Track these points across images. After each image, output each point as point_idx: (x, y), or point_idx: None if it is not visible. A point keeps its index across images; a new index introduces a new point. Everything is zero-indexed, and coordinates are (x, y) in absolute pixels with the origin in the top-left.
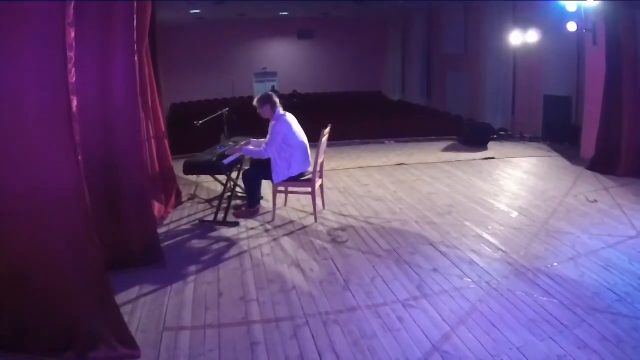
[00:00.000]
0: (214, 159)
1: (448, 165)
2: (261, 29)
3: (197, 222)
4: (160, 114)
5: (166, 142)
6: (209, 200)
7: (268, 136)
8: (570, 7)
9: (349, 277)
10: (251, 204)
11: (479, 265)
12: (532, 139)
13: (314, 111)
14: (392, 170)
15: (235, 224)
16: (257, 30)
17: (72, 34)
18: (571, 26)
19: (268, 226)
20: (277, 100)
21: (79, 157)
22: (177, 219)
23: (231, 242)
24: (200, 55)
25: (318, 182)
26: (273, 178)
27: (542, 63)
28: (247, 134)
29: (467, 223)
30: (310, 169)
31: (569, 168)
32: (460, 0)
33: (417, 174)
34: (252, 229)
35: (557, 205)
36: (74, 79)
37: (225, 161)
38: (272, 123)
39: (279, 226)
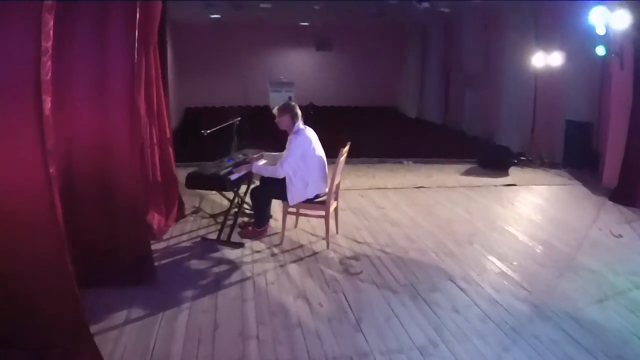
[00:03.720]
0: (221, 173)
1: (468, 190)
2: (280, 37)
3: (198, 239)
4: (166, 119)
5: (171, 149)
6: (213, 216)
7: (285, 152)
8: (600, 30)
9: (361, 315)
10: (259, 224)
11: (502, 306)
12: (552, 164)
13: (329, 125)
14: (409, 192)
15: (240, 245)
16: (276, 39)
17: (51, 22)
18: (600, 50)
19: (275, 250)
20: (299, 111)
21: (50, 169)
22: (177, 234)
23: (234, 266)
24: (218, 60)
25: (333, 205)
26: (288, 199)
27: (564, 86)
28: (260, 146)
29: (490, 257)
30: (327, 189)
31: (590, 198)
32: (480, 18)
33: (435, 197)
34: (257, 252)
35: (581, 239)
36: (49, 75)
37: (233, 177)
38: (290, 137)
39: (287, 251)
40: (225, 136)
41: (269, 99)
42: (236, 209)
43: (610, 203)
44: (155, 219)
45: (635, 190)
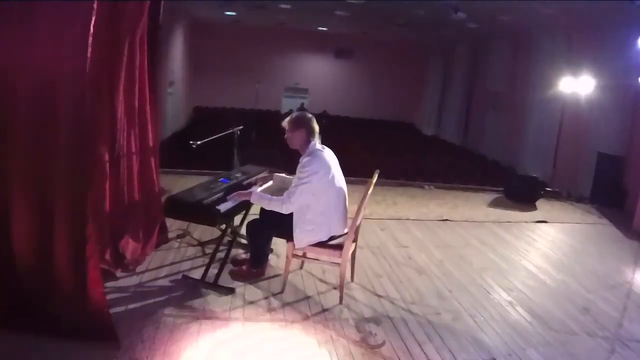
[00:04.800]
0: (207, 201)
1: (497, 226)
2: (298, 42)
3: (180, 276)
4: (149, 123)
5: (154, 161)
6: (202, 244)
7: (295, 179)
8: None
9: None
10: (255, 264)
11: None
12: (579, 199)
13: (342, 136)
14: (435, 227)
15: (230, 290)
16: (293, 43)
17: None
18: None
19: (274, 301)
20: (316, 126)
21: None
22: (155, 265)
23: (218, 322)
24: (233, 60)
25: (351, 249)
26: (294, 240)
27: (593, 115)
28: (268, 161)
29: (536, 325)
30: (346, 230)
31: (623, 242)
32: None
33: (464, 235)
34: (251, 303)
35: (625, 298)
36: None
37: (222, 207)
38: (303, 159)
39: (289, 304)
40: (226, 147)
41: (280, 105)
42: (229, 240)
43: None
44: (129, 247)
45: None
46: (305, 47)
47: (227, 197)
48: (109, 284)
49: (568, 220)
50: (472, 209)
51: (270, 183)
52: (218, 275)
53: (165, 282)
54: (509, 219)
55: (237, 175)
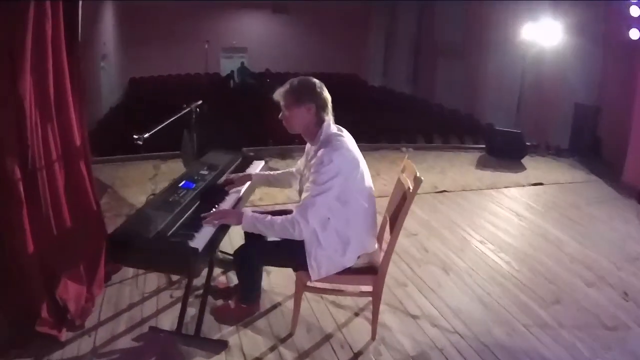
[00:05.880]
0: (174, 232)
1: (498, 194)
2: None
3: (146, 329)
4: (73, 116)
5: (84, 166)
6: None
7: (310, 184)
8: (634, 11)
9: None
10: (246, 298)
11: None
12: (559, 152)
13: None
14: (434, 201)
15: (222, 346)
16: (227, 2)
17: None
18: (634, 34)
19: (286, 352)
20: (328, 96)
21: None
22: (110, 313)
23: None
24: (167, 25)
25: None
26: (309, 270)
27: (563, 64)
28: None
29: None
30: (376, 245)
31: (622, 202)
32: None
33: (471, 210)
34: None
35: None
36: None
37: (199, 241)
38: (318, 153)
39: (306, 352)
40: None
41: (220, 67)
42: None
43: None
44: (70, 294)
45: None
46: (241, 4)
47: (203, 221)
48: (55, 356)
49: (561, 179)
50: (462, 173)
51: (246, 186)
52: (199, 323)
53: (127, 342)
54: (505, 183)
55: (202, 172)
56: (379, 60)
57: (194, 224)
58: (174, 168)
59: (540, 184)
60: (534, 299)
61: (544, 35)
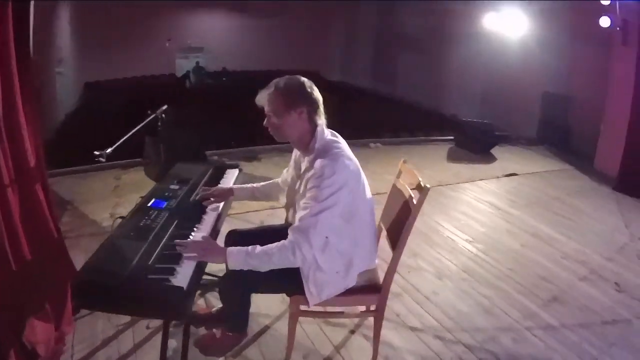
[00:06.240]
0: (152, 268)
1: (476, 188)
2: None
3: None
4: (25, 132)
5: (41, 189)
6: None
7: (306, 200)
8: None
9: None
10: (234, 327)
11: None
12: (529, 142)
13: (248, 95)
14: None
15: None
16: (183, 2)
17: None
18: (604, 21)
19: None
20: (319, 95)
21: None
22: (83, 354)
23: None
24: (124, 27)
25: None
26: (306, 295)
27: (527, 55)
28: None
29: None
30: (377, 261)
31: (600, 191)
32: None
33: (451, 207)
34: None
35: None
36: None
37: (180, 277)
38: (316, 164)
39: None
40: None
41: (175, 68)
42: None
43: (619, 195)
44: (38, 335)
45: None
46: (196, 4)
47: (184, 254)
48: None
49: (535, 169)
50: (437, 168)
51: (219, 205)
52: (184, 358)
53: None
54: (480, 175)
55: (172, 187)
56: (339, 55)
57: (173, 255)
58: (136, 178)
59: (515, 174)
60: (532, 299)
61: (509, 24)
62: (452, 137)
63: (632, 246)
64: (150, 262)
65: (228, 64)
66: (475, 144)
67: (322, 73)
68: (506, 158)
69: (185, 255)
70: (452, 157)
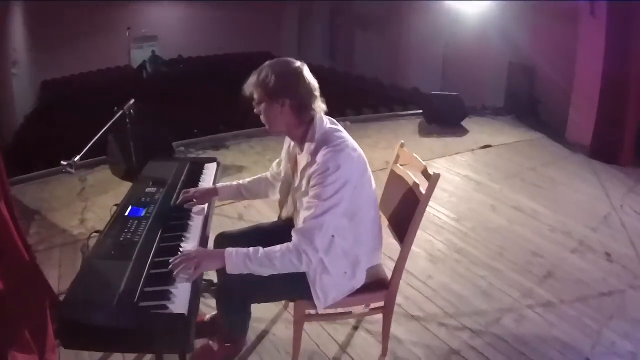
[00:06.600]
0: (135, 295)
1: (452, 162)
2: None
3: None
4: None
5: (5, 206)
6: None
7: (309, 199)
8: None
9: None
10: (232, 337)
11: None
12: (496, 112)
13: (206, 81)
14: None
15: None
16: None
17: None
18: None
19: None
20: (313, 80)
21: None
22: None
23: None
24: (78, 23)
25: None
26: (314, 299)
27: (488, 25)
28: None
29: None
30: (382, 255)
31: (574, 159)
32: None
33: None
34: None
35: (627, 233)
36: None
37: (178, 303)
38: (322, 156)
39: None
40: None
41: (130, 58)
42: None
43: (595, 163)
44: None
45: (617, 145)
46: None
47: (174, 272)
48: None
49: (507, 139)
50: (410, 144)
51: (204, 206)
52: None
53: None
54: (455, 149)
55: (149, 191)
56: (293, 35)
57: (164, 274)
58: (102, 178)
59: (489, 145)
60: (527, 276)
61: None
62: (420, 111)
63: (615, 215)
64: (140, 286)
65: (182, 51)
66: (445, 117)
67: (274, 53)
68: (477, 130)
69: (178, 277)
70: (424, 132)
